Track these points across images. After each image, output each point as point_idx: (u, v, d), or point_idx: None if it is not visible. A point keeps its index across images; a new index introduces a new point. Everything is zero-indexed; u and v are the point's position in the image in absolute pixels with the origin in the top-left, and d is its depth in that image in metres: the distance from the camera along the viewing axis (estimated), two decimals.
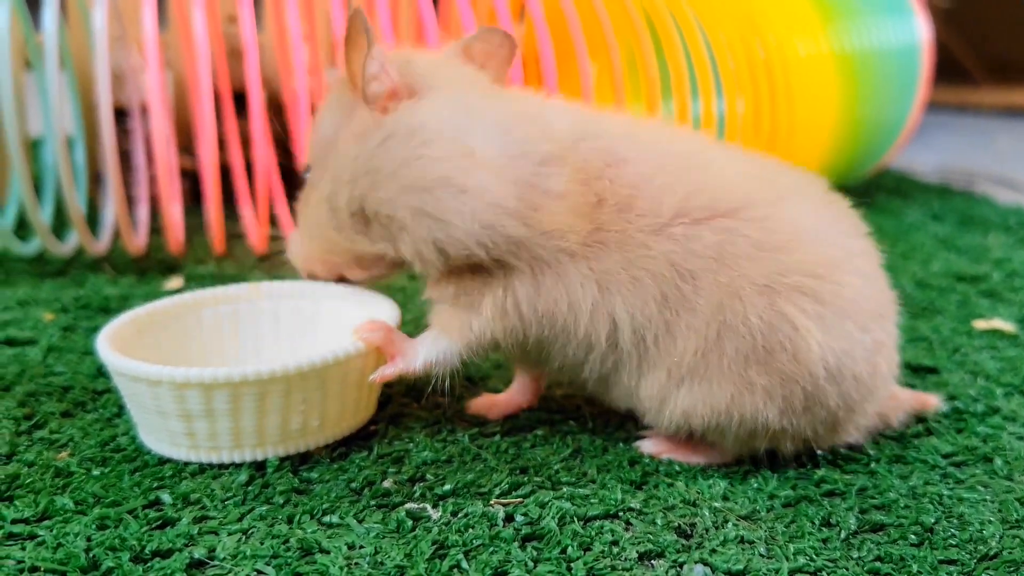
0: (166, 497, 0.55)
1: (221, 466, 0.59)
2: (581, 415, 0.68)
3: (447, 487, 0.57)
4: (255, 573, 0.48)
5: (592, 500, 0.56)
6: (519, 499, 0.56)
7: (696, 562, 0.50)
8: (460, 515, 0.54)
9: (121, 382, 0.60)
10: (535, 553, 0.51)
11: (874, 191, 1.52)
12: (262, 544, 0.51)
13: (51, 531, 0.52)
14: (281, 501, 0.55)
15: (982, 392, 0.72)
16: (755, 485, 0.59)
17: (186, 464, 0.60)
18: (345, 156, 0.60)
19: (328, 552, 0.50)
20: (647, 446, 0.63)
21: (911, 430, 0.66)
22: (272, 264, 1.07)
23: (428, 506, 0.55)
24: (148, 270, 1.04)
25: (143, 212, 1.12)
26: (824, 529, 0.54)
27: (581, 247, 0.57)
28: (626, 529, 0.53)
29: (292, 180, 1.18)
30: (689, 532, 0.53)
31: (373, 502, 0.55)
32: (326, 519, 0.53)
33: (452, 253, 0.57)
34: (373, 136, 0.58)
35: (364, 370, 0.61)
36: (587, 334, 0.58)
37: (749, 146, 0.94)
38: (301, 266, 0.67)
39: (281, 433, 0.59)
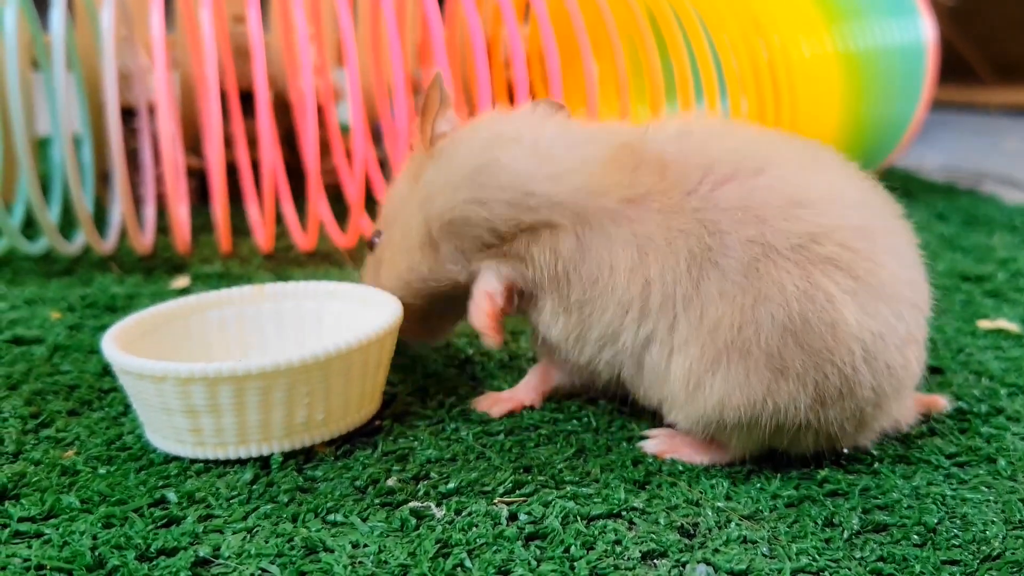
0: (171, 496, 0.56)
1: (226, 464, 0.60)
2: (584, 415, 0.68)
3: (451, 485, 0.57)
4: (260, 571, 0.49)
5: (595, 499, 0.56)
6: (523, 498, 0.56)
7: (699, 562, 0.50)
8: (464, 514, 0.54)
9: (126, 380, 0.60)
10: (538, 552, 0.51)
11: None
12: (267, 543, 0.51)
13: (57, 529, 0.52)
14: (286, 500, 0.56)
15: (986, 392, 0.72)
16: (758, 485, 0.59)
17: (191, 463, 0.60)
18: (407, 199, 0.66)
19: (332, 551, 0.50)
20: (650, 446, 0.63)
21: (914, 431, 0.66)
22: (278, 263, 1.07)
23: (432, 505, 0.55)
24: (155, 269, 1.04)
25: (150, 211, 1.12)
26: (827, 529, 0.54)
27: (623, 209, 0.59)
28: (629, 529, 0.54)
29: (298, 179, 1.19)
30: (692, 532, 0.53)
31: (377, 500, 0.56)
32: (330, 518, 0.54)
33: (503, 229, 0.61)
34: (424, 171, 0.65)
35: (367, 363, 0.62)
36: (623, 299, 0.59)
37: None
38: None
39: (286, 428, 0.60)
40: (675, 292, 0.58)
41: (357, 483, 0.58)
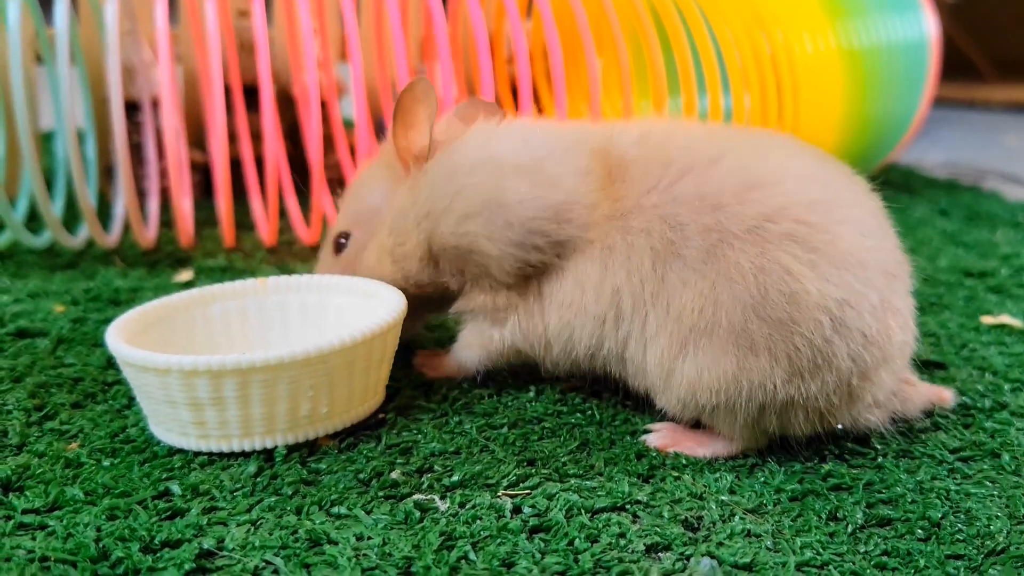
0: (175, 488, 0.56)
1: (230, 457, 0.60)
2: (588, 408, 0.68)
3: (455, 478, 0.57)
4: (264, 564, 0.49)
5: (599, 492, 0.56)
6: (527, 491, 0.56)
7: (703, 555, 0.50)
8: (468, 506, 0.54)
9: (130, 373, 0.60)
10: (542, 545, 0.51)
11: (881, 187, 1.51)
12: (271, 535, 0.51)
13: (61, 521, 0.52)
14: (290, 492, 0.56)
15: (990, 388, 0.72)
16: (762, 479, 0.59)
17: (195, 455, 0.60)
18: (401, 209, 0.67)
19: (336, 543, 0.50)
20: (653, 439, 0.63)
21: (918, 425, 0.66)
22: (281, 257, 1.08)
23: (436, 497, 0.55)
24: (158, 263, 1.04)
25: (153, 205, 1.12)
26: (831, 523, 0.54)
27: (599, 227, 0.62)
28: (633, 522, 0.54)
29: (302, 173, 1.19)
30: (696, 525, 0.54)
31: (381, 493, 0.56)
32: (334, 510, 0.54)
33: (508, 265, 0.64)
34: (421, 184, 0.66)
35: (371, 356, 0.62)
36: (597, 313, 0.62)
37: None
38: None
39: (290, 421, 0.60)
40: (643, 291, 0.61)
41: (361, 476, 0.58)
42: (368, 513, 0.54)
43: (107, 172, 1.23)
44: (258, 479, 0.57)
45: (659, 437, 0.63)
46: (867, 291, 0.57)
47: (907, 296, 0.62)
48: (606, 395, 0.70)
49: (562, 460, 0.60)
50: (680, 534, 0.52)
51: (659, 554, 0.51)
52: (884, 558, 0.50)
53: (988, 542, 0.52)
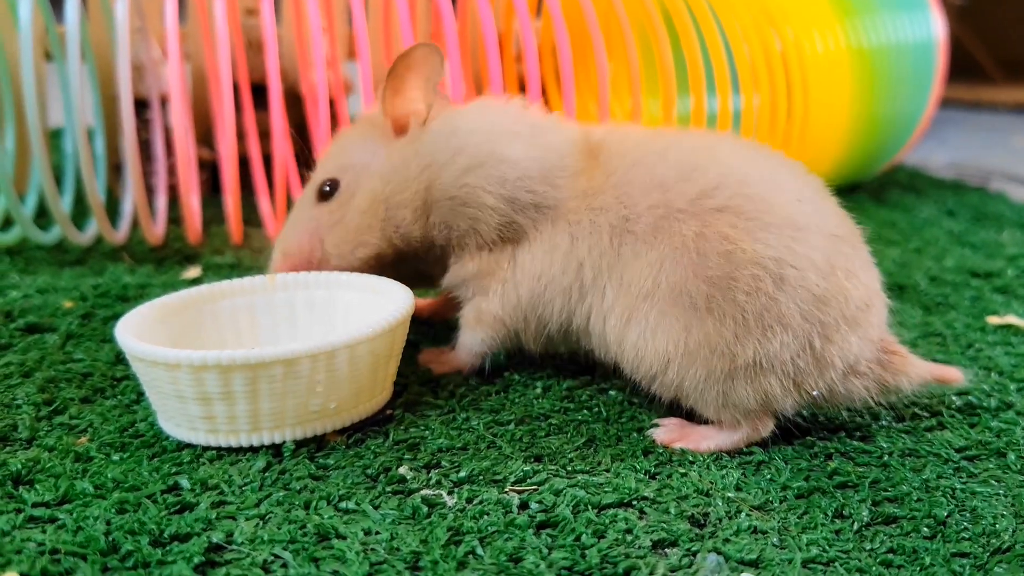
0: (184, 482, 0.56)
1: (239, 452, 0.60)
2: (595, 405, 0.68)
3: (462, 474, 0.58)
4: (272, 557, 0.49)
5: (606, 488, 0.56)
6: (534, 487, 0.56)
7: (709, 551, 0.50)
8: (475, 502, 0.55)
9: (139, 368, 0.60)
10: (549, 540, 0.51)
11: (888, 187, 1.51)
12: (279, 529, 0.51)
13: (71, 515, 0.52)
14: (298, 487, 0.56)
15: (995, 387, 0.72)
16: (768, 476, 0.59)
17: (204, 450, 0.60)
18: (402, 160, 0.70)
19: (344, 537, 0.51)
20: (659, 435, 0.63)
21: (923, 424, 0.66)
22: None
23: (443, 493, 0.56)
24: (166, 259, 1.04)
25: (162, 202, 1.13)
26: (837, 520, 0.54)
27: (574, 201, 0.67)
28: (640, 518, 0.54)
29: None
30: (702, 521, 0.54)
31: (389, 488, 0.56)
32: (342, 505, 0.54)
33: (495, 222, 0.68)
34: (423, 139, 0.70)
35: (379, 352, 0.62)
36: (564, 285, 0.67)
37: (764, 141, 0.94)
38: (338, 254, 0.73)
39: (299, 416, 0.60)
40: (602, 263, 0.65)
41: (369, 471, 0.58)
42: (376, 508, 0.54)
43: (116, 169, 1.24)
44: (267, 474, 0.57)
45: (665, 432, 0.63)
46: (808, 251, 0.59)
47: (864, 259, 0.63)
48: (612, 392, 0.70)
49: (569, 456, 0.61)
50: (687, 530, 0.52)
51: (666, 550, 0.51)
52: (890, 556, 0.51)
53: (994, 540, 0.52)
